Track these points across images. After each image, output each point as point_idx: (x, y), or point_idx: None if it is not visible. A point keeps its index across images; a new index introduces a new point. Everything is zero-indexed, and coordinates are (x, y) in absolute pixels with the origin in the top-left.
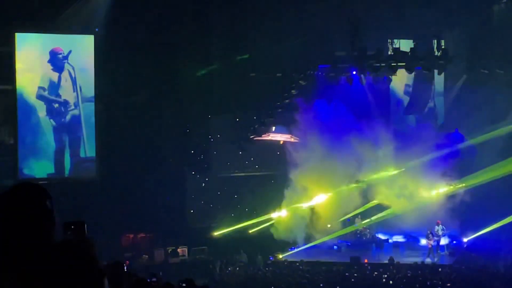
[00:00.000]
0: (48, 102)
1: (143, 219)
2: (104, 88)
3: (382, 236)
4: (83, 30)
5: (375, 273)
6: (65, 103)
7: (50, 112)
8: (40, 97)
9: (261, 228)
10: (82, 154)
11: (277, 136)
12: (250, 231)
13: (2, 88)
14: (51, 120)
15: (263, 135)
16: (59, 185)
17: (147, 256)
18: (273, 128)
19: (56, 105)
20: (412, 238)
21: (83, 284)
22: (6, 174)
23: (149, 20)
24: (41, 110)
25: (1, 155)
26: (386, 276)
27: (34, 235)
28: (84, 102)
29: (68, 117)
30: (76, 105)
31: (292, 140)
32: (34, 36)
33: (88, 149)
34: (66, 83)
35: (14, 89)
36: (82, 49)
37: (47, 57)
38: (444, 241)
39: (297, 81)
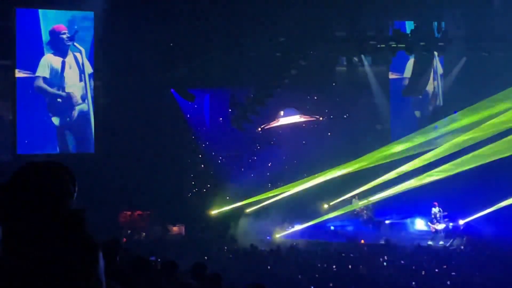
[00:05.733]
0: (49, 96)
1: (141, 197)
2: (103, 65)
3: (379, 217)
4: (85, 6)
5: (371, 253)
6: (70, 98)
7: (52, 108)
8: (38, 89)
9: (258, 208)
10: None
11: (287, 120)
12: (247, 210)
13: (1, 64)
14: (53, 118)
15: (271, 123)
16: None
17: (144, 234)
18: (282, 112)
19: (59, 100)
20: (409, 220)
21: (75, 257)
22: (5, 150)
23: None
24: (41, 104)
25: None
26: (382, 257)
27: (47, 211)
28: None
29: (74, 114)
30: (84, 98)
31: (313, 118)
32: (34, 12)
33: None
34: (70, 70)
35: (13, 65)
36: (89, 26)
37: (47, 37)
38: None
39: (297, 60)
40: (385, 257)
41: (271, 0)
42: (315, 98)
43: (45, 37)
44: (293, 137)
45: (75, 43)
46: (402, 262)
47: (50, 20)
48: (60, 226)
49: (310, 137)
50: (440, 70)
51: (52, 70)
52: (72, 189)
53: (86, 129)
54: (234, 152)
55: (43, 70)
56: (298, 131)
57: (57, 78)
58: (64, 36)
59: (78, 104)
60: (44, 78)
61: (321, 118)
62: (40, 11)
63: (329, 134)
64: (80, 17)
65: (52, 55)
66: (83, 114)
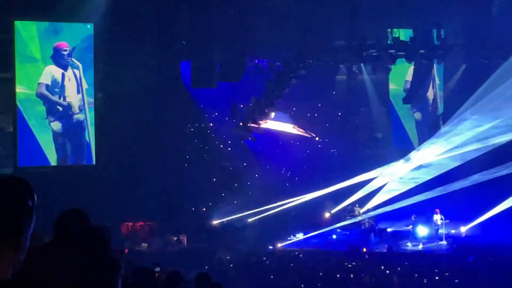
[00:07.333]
0: (49, 103)
1: (142, 208)
2: (103, 76)
3: (381, 225)
4: (84, 18)
5: (374, 261)
6: (69, 107)
7: (51, 114)
8: (40, 95)
9: (260, 217)
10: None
11: (276, 125)
12: (249, 220)
13: (1, 76)
14: (51, 124)
15: (261, 122)
16: (58, 173)
17: (146, 245)
18: (272, 114)
19: (60, 108)
20: (411, 227)
21: (99, 278)
22: (5, 163)
23: (150, 8)
24: (41, 110)
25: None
26: (384, 265)
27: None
28: (91, 105)
29: (72, 123)
30: (81, 108)
31: (307, 135)
32: (33, 24)
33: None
34: (69, 83)
35: (13, 77)
36: (86, 43)
37: (50, 51)
38: (442, 230)
39: (297, 70)
40: (387, 265)
41: (272, 9)
42: (316, 115)
43: (47, 51)
44: (293, 147)
45: (72, 59)
46: (407, 266)
47: (48, 33)
48: (82, 247)
49: (312, 145)
50: (439, 77)
51: (54, 81)
52: (29, 205)
53: (83, 140)
54: (236, 163)
55: (45, 78)
56: (298, 141)
57: (57, 88)
58: (65, 52)
59: (75, 113)
60: (47, 86)
61: (317, 138)
62: (39, 23)
63: (333, 151)
64: (79, 30)
65: (54, 66)
66: (80, 124)
